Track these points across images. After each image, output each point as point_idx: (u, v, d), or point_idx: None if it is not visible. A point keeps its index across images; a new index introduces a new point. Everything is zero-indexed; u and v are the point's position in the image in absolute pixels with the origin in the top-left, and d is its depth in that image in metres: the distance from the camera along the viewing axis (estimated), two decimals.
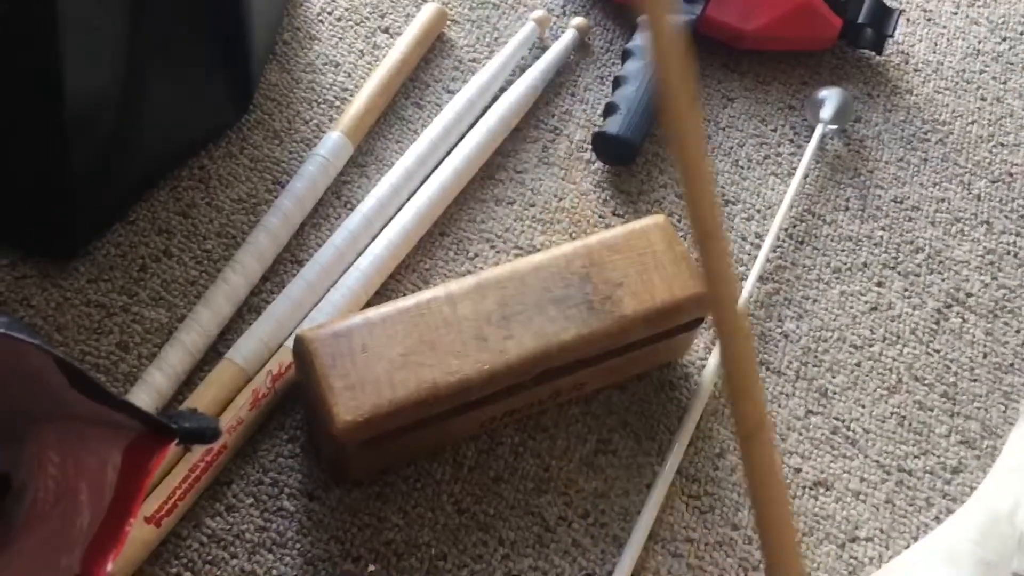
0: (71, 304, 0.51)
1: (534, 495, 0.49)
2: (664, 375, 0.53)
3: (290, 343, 0.50)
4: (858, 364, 0.55)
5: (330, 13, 0.64)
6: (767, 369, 0.54)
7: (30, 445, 0.42)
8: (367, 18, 0.64)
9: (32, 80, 0.46)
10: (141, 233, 0.54)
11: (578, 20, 0.64)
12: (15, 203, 0.51)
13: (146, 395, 0.48)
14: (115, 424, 0.31)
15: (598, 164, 0.60)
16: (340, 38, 0.63)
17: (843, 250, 0.59)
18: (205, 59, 0.54)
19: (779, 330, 0.56)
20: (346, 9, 0.64)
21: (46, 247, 0.52)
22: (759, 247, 0.58)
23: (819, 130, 0.61)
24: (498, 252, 0.57)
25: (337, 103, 0.60)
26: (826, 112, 0.61)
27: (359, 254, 0.54)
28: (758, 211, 0.60)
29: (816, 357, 0.55)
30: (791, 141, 0.63)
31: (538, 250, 0.57)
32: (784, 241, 0.59)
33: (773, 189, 0.61)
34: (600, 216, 0.59)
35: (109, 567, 0.28)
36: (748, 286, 0.55)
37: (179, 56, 0.52)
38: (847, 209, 0.61)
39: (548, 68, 0.62)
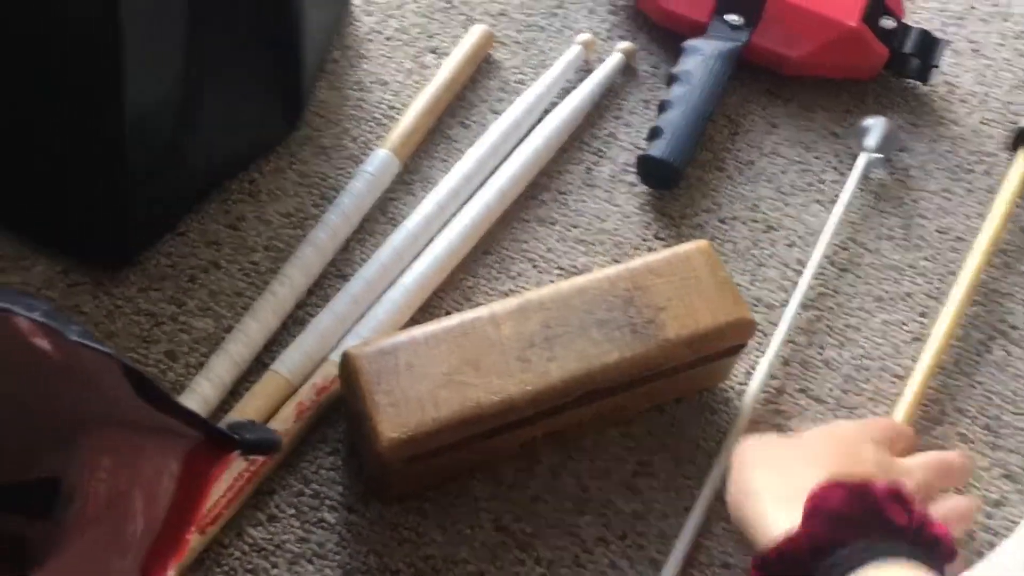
0: (122, 312, 0.52)
1: (572, 515, 0.49)
2: (704, 399, 0.53)
3: (334, 356, 0.51)
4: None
5: (380, 32, 0.65)
6: (808, 396, 0.54)
7: (81, 449, 0.43)
8: (416, 38, 0.65)
9: (93, 91, 0.47)
10: (191, 244, 0.55)
11: (624, 44, 0.65)
12: (71, 211, 0.52)
13: (193, 404, 0.48)
14: (173, 432, 0.32)
15: (641, 187, 0.61)
16: (389, 57, 0.64)
17: (886, 279, 0.59)
18: (259, 75, 0.55)
19: (820, 357, 0.56)
20: (396, 29, 0.65)
21: (100, 255, 0.53)
22: (801, 273, 0.58)
23: (863, 158, 0.61)
24: (540, 272, 0.57)
25: (385, 121, 0.61)
26: (871, 140, 0.61)
27: (403, 270, 0.54)
28: (800, 237, 0.60)
29: (858, 386, 0.55)
30: (835, 169, 0.63)
31: (580, 271, 0.57)
32: (827, 268, 0.59)
33: (816, 216, 0.61)
34: (642, 239, 0.59)
35: (170, 574, 0.28)
36: (789, 313, 0.55)
37: (234, 72, 0.53)
38: (891, 238, 0.61)
39: (593, 91, 0.63)
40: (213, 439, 0.31)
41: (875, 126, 0.62)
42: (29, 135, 0.50)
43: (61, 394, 0.42)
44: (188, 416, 0.30)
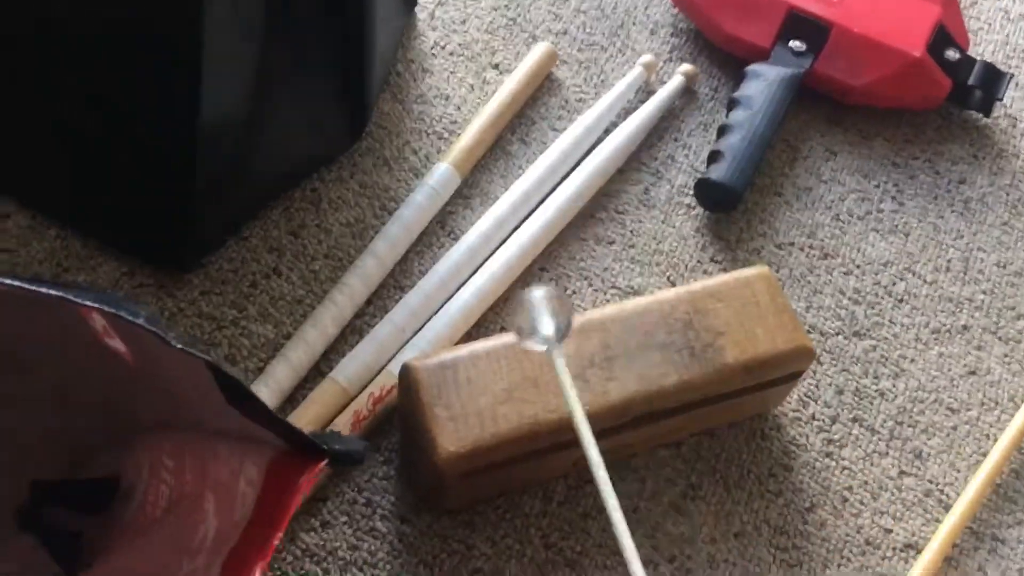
0: (184, 315, 0.53)
1: None
2: (755, 424, 0.53)
3: (391, 367, 0.51)
4: (954, 428, 0.55)
5: (443, 48, 0.66)
6: (861, 426, 0.54)
7: (143, 450, 0.44)
8: (479, 54, 0.65)
9: (170, 102, 0.48)
10: (253, 250, 0.56)
11: (686, 67, 0.65)
12: (140, 215, 0.53)
13: None
14: (250, 438, 0.32)
15: (698, 210, 0.61)
16: (452, 72, 0.64)
17: (943, 311, 0.59)
18: (327, 88, 0.56)
19: (875, 387, 0.55)
20: (459, 44, 0.66)
21: (165, 258, 0.54)
22: (857, 303, 0.58)
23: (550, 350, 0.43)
24: (596, 291, 0.57)
25: (446, 135, 0.62)
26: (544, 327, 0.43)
27: (461, 284, 0.55)
28: (857, 266, 0.60)
29: (912, 417, 0.55)
30: (893, 198, 0.63)
31: (636, 291, 0.57)
32: (884, 298, 0.59)
33: (873, 245, 0.61)
34: (698, 261, 0.59)
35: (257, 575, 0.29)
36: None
37: (303, 84, 0.54)
38: (948, 270, 0.60)
39: (653, 112, 0.63)
40: (301, 448, 0.31)
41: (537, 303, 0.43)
42: (103, 141, 0.51)
43: (128, 395, 0.43)
44: (279, 425, 0.31)
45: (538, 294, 0.43)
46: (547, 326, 0.42)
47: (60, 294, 0.29)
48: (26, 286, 0.29)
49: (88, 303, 0.29)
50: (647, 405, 0.46)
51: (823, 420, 0.54)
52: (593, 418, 0.45)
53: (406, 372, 0.46)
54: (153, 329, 0.29)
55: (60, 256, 0.54)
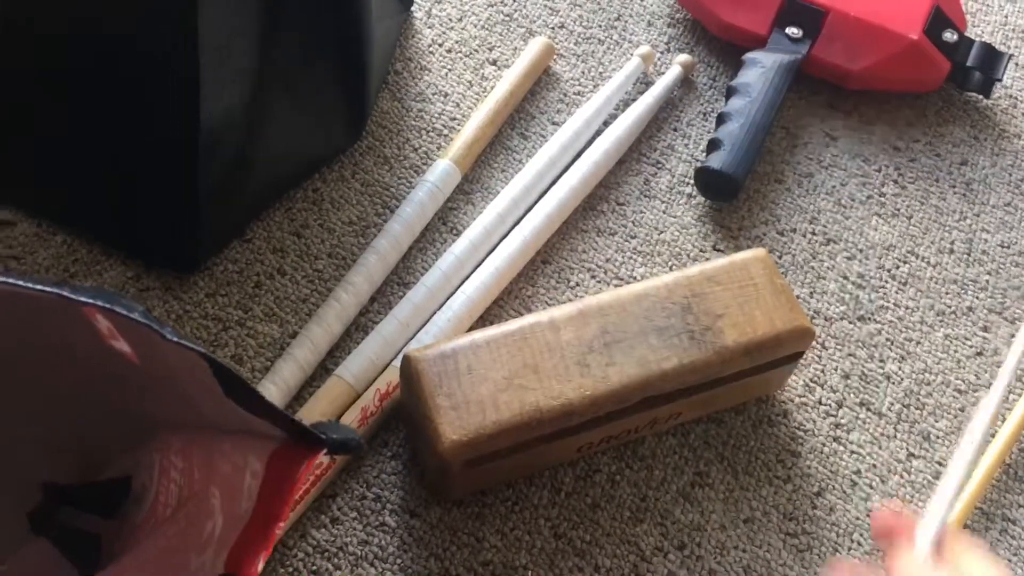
0: (190, 316, 0.54)
1: (630, 524, 0.50)
2: (762, 411, 0.53)
3: (397, 363, 0.51)
4: (962, 409, 0.54)
5: (440, 45, 0.66)
6: (868, 410, 0.54)
7: (152, 451, 0.44)
8: (476, 50, 0.66)
9: (170, 106, 0.49)
10: (257, 251, 0.56)
11: (683, 57, 0.65)
12: (144, 218, 0.54)
13: None
14: (253, 432, 0.33)
15: (699, 198, 0.61)
16: (450, 69, 0.65)
17: (948, 293, 0.59)
18: (326, 89, 0.56)
19: (881, 371, 0.55)
20: (456, 42, 0.66)
21: (170, 261, 0.54)
22: (861, 287, 0.58)
23: None
24: (599, 282, 0.57)
25: (446, 132, 0.62)
26: None
27: (464, 279, 0.55)
28: (860, 250, 0.60)
29: (919, 400, 0.55)
30: (895, 182, 0.63)
31: (638, 281, 0.57)
32: (888, 282, 0.59)
33: (876, 229, 0.61)
34: (700, 250, 0.59)
35: (260, 566, 0.29)
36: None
37: (302, 85, 0.54)
38: (952, 252, 0.60)
39: (652, 103, 0.63)
40: (300, 438, 0.31)
41: None
42: (107, 145, 0.52)
43: (136, 396, 0.43)
44: (277, 416, 0.31)
45: None
46: None
47: (57, 291, 0.29)
48: (22, 283, 0.29)
49: (85, 299, 0.29)
50: (648, 389, 0.46)
51: (830, 405, 0.54)
52: (595, 403, 0.46)
53: (407, 363, 0.46)
54: (147, 323, 0.29)
55: (67, 262, 0.55)
